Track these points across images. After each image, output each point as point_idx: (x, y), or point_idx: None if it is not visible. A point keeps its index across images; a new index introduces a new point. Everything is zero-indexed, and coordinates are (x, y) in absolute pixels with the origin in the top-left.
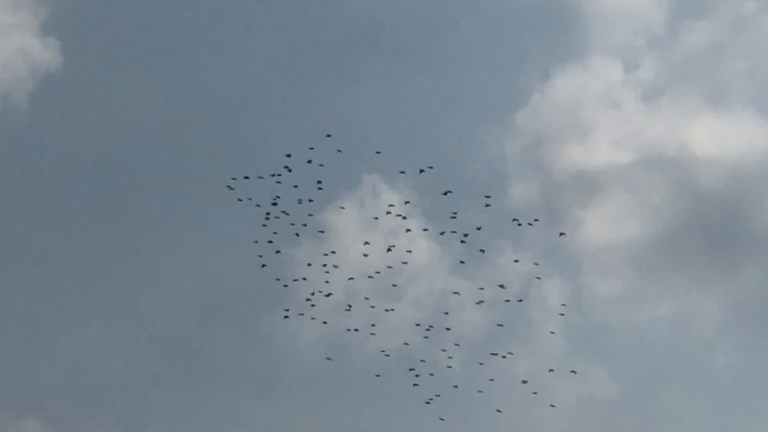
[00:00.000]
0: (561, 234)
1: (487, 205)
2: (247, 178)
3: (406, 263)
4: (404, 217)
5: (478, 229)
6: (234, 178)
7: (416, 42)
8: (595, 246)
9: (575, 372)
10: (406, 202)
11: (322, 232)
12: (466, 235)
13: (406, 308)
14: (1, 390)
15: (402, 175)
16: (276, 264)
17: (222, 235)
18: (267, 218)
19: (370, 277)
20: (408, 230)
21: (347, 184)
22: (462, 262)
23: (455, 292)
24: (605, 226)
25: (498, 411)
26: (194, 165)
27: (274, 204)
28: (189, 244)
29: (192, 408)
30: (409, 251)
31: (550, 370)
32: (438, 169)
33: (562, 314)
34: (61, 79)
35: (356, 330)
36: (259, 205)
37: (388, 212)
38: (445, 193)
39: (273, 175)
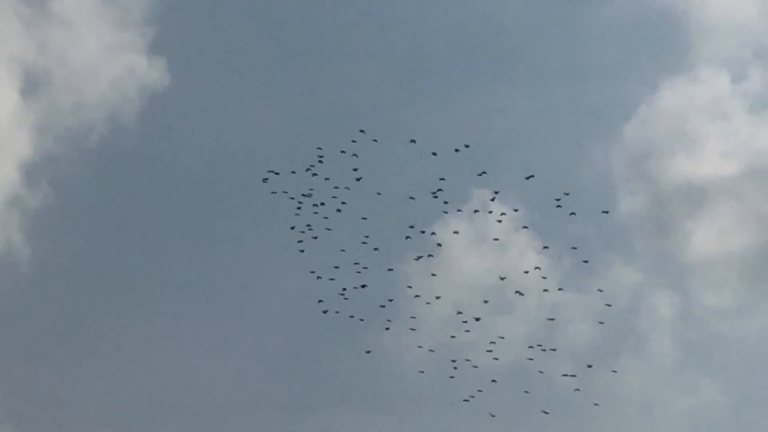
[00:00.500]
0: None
1: (605, 212)
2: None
3: (515, 277)
4: (513, 231)
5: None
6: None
7: (523, 57)
8: (705, 257)
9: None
10: (515, 210)
11: (439, 245)
12: (575, 248)
13: (516, 322)
14: (104, 414)
15: (511, 189)
16: (385, 278)
17: (328, 248)
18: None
19: (479, 291)
20: (517, 244)
21: (457, 198)
22: (571, 275)
23: (564, 306)
24: (714, 237)
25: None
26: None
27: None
28: (293, 258)
29: (300, 426)
30: (519, 265)
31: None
32: (547, 183)
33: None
34: (168, 98)
35: (466, 344)
36: (365, 218)
37: (499, 220)
38: (558, 205)
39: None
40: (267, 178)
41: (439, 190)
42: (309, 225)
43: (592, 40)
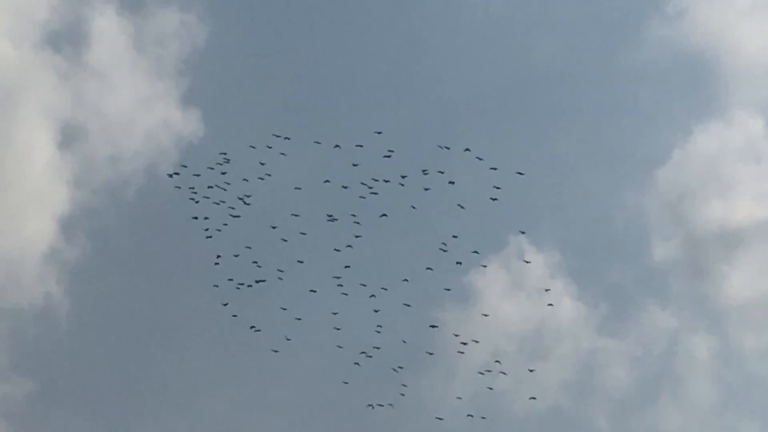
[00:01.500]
0: None
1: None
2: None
3: (552, 322)
4: (549, 277)
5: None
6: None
7: (557, 104)
8: (741, 300)
9: None
10: (551, 256)
11: (472, 292)
12: (610, 293)
13: (553, 367)
14: None
15: (547, 234)
16: (424, 323)
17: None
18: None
19: (516, 336)
20: (551, 290)
21: (493, 245)
22: (607, 320)
23: (601, 351)
24: (750, 280)
25: None
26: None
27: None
28: (331, 302)
29: None
30: (555, 311)
31: None
32: (582, 228)
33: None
34: (203, 148)
35: (503, 392)
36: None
37: (528, 262)
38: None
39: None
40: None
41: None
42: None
43: (625, 86)
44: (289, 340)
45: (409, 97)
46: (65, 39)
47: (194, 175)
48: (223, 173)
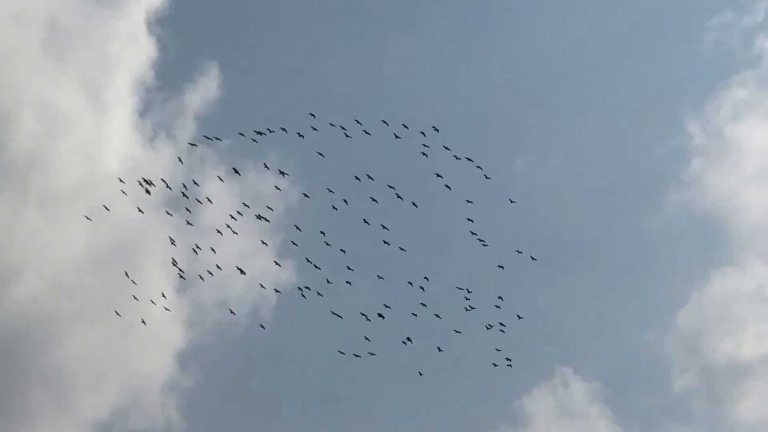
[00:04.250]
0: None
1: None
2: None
3: None
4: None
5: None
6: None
7: (596, 259)
8: (750, 421)
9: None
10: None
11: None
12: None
13: None
14: None
15: (587, 366)
16: None
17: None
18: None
19: None
20: (591, 415)
21: (541, 374)
22: None
23: None
24: (757, 404)
25: None
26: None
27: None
28: None
29: None
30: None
31: None
32: (616, 361)
33: None
34: (298, 296)
35: None
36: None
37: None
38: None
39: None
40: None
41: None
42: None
43: (650, 242)
44: None
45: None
46: (181, 201)
47: None
48: None
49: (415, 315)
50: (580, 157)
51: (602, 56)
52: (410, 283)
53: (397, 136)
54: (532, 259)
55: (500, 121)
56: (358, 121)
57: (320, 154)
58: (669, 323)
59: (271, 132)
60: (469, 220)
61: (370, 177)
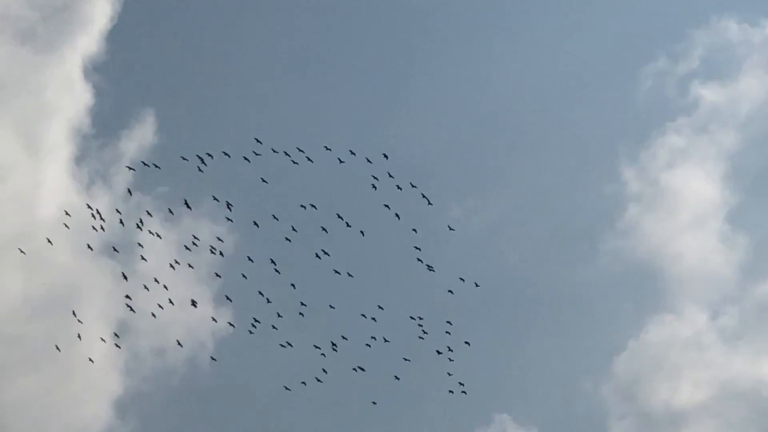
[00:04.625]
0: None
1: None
2: None
3: None
4: None
5: None
6: None
7: (533, 306)
8: None
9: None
10: None
11: None
12: None
13: None
14: None
15: (528, 414)
16: None
17: None
18: None
19: None
20: None
21: (479, 421)
22: None
23: None
24: None
25: None
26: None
27: None
28: None
29: None
30: None
31: None
32: (555, 408)
33: None
34: (234, 341)
35: None
36: None
37: None
38: None
39: None
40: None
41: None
42: None
43: (587, 290)
44: None
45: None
46: (119, 246)
47: None
48: None
49: (369, 346)
50: (516, 203)
51: (538, 103)
52: (363, 315)
53: (341, 161)
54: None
55: (439, 166)
56: (300, 149)
57: (264, 180)
58: (605, 370)
59: (210, 157)
60: (416, 248)
61: (313, 206)
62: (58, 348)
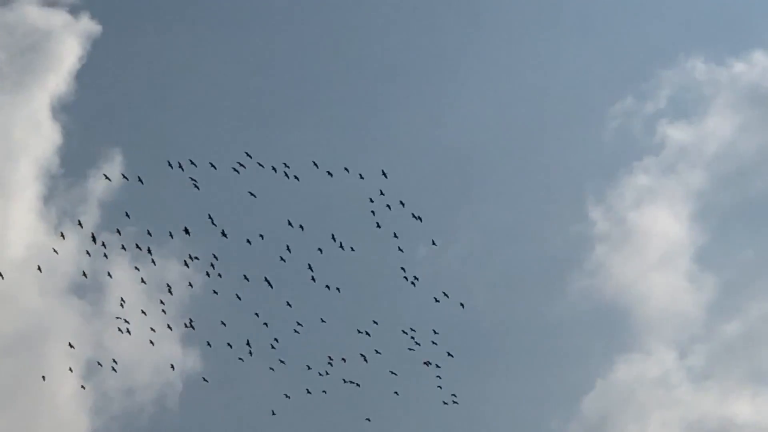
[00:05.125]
0: None
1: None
2: None
3: None
4: None
5: None
6: None
7: (497, 346)
8: None
9: None
10: None
11: None
12: None
13: None
14: None
15: None
16: None
17: None
18: None
19: None
20: None
21: None
22: None
23: None
24: None
25: None
26: None
27: None
28: None
29: None
30: None
31: None
32: None
33: None
34: (203, 382)
35: None
36: None
37: None
38: None
39: None
40: None
41: None
42: None
43: (554, 329)
44: None
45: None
46: (86, 287)
47: None
48: None
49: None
50: (483, 243)
51: (506, 141)
52: (359, 330)
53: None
54: (449, 355)
55: (405, 205)
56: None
57: (251, 194)
58: (573, 410)
59: (193, 165)
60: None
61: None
62: (39, 381)
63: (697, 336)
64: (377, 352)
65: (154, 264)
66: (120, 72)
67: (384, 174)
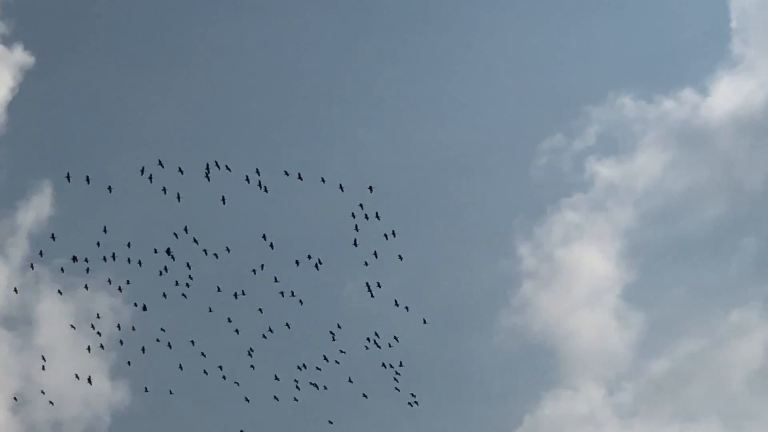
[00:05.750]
0: None
1: None
2: None
3: None
4: None
5: None
6: None
7: (425, 385)
8: None
9: None
10: None
11: None
12: None
13: None
14: None
15: None
16: None
17: None
18: None
19: None
20: None
21: None
22: None
23: None
24: None
25: None
26: None
27: None
28: None
29: None
30: None
31: None
32: None
33: None
34: (132, 415)
35: None
36: None
37: None
38: None
39: None
40: None
41: None
42: None
43: (480, 365)
44: None
45: None
46: (15, 321)
47: None
48: None
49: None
50: (409, 279)
51: (433, 177)
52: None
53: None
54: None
55: (333, 241)
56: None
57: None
58: None
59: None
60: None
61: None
62: None
63: (625, 373)
64: (313, 385)
65: (83, 294)
66: (52, 104)
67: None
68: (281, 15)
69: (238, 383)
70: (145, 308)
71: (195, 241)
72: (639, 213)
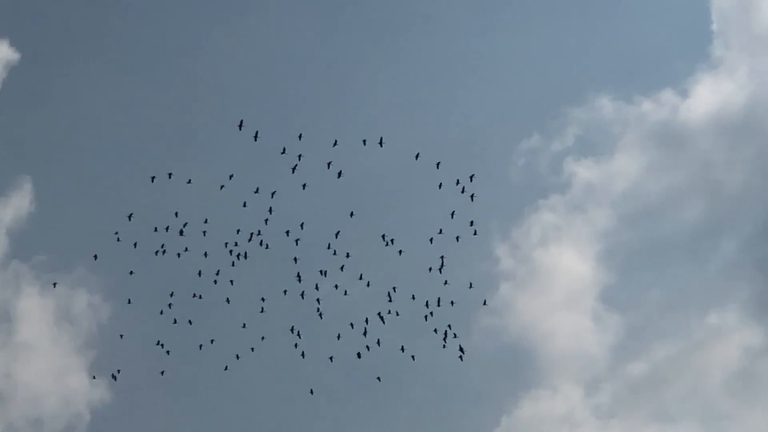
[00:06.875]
0: None
1: None
2: None
3: None
4: None
5: None
6: None
7: (401, 376)
8: None
9: None
10: None
11: None
12: None
13: None
14: None
15: None
16: None
17: None
18: None
19: None
20: None
21: None
22: None
23: None
24: None
25: None
26: None
27: None
28: None
29: None
30: None
31: None
32: None
33: None
34: (111, 413)
35: None
36: None
37: None
38: None
39: None
40: None
41: None
42: None
43: (458, 366)
44: None
45: None
46: None
47: None
48: None
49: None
50: (387, 280)
51: (410, 178)
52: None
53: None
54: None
55: (309, 241)
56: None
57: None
58: None
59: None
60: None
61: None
62: None
63: (602, 375)
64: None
65: (63, 292)
66: (29, 100)
67: None
68: (270, 17)
69: (216, 381)
70: (129, 302)
71: (181, 233)
72: (617, 214)
